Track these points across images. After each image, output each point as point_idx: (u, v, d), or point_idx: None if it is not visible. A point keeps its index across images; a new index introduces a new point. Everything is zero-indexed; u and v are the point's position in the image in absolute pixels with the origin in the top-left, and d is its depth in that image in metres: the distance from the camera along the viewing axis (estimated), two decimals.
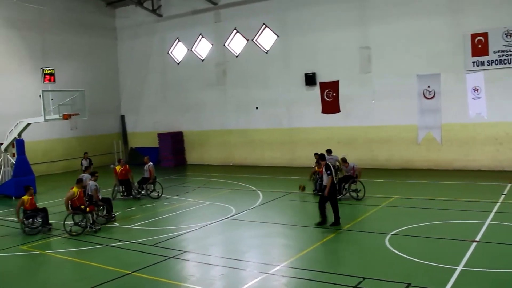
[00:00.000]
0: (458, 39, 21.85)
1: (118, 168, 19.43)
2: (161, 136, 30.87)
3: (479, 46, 21.38)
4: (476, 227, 12.61)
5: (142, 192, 19.41)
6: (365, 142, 24.55)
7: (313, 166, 18.55)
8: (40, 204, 15.69)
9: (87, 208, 14.38)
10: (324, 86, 25.49)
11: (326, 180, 13.62)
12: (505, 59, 20.90)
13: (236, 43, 28.69)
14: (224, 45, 28.97)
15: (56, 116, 20.18)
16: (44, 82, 20.82)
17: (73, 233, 14.10)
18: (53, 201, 18.56)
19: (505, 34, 20.81)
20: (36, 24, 28.77)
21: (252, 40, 27.84)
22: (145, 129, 33.12)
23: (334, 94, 25.25)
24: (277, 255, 11.69)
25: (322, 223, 13.57)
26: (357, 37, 24.40)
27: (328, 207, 13.69)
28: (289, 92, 26.66)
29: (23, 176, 21.10)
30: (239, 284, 9.76)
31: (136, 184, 19.51)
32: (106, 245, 13.01)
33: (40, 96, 20.14)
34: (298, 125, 26.65)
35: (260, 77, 27.72)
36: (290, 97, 26.71)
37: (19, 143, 21.56)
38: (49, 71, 20.94)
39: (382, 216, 14.89)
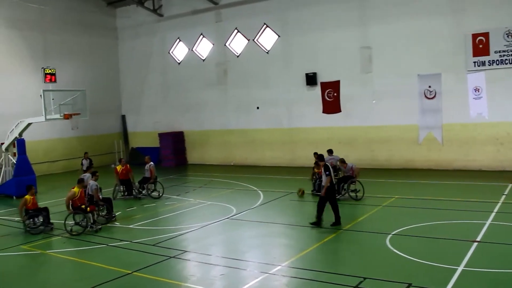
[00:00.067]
0: (459, 39, 21.84)
1: (119, 167, 19.44)
2: (162, 136, 30.88)
3: (480, 46, 21.37)
4: (477, 227, 12.60)
5: (143, 192, 19.42)
6: (366, 142, 24.54)
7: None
8: (40, 204, 15.68)
9: (88, 208, 14.39)
10: (325, 86, 25.49)
11: (325, 180, 13.62)
12: (506, 59, 20.89)
13: (237, 43, 28.69)
14: (225, 45, 28.97)
15: (57, 116, 20.17)
16: (45, 81, 20.82)
17: (73, 233, 14.11)
18: (54, 201, 18.56)
19: (506, 34, 20.79)
20: (37, 24, 28.78)
21: (253, 40, 27.84)
22: (146, 129, 33.13)
23: (335, 94, 25.25)
24: (278, 255, 11.69)
25: (316, 223, 13.48)
26: (358, 37, 24.39)
27: (327, 208, 13.65)
28: (290, 92, 26.66)
29: (24, 176, 21.12)
30: (239, 284, 9.76)
31: (137, 184, 19.53)
32: (107, 245, 13.02)
33: (41, 95, 20.13)
34: (298, 125, 26.64)
35: (261, 77, 27.73)
36: (291, 97, 26.71)
37: (20, 143, 21.58)
38: (50, 71, 20.95)
39: (383, 216, 14.88)
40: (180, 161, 30.68)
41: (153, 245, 12.72)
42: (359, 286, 9.13)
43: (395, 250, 11.13)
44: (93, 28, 32.04)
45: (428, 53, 22.60)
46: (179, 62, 31.26)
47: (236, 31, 28.51)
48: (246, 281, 9.89)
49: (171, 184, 22.39)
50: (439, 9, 22.27)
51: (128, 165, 19.84)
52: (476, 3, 21.49)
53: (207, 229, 14.28)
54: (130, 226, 15.06)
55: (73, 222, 14.31)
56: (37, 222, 14.73)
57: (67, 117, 20.14)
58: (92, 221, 14.41)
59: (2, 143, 22.37)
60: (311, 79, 25.70)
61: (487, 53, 21.22)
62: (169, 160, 30.25)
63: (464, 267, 9.78)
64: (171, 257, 11.57)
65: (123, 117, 34.41)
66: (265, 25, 27.42)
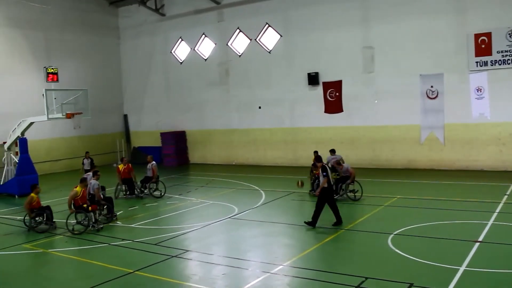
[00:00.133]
0: (461, 39, 21.81)
1: (121, 166, 19.45)
2: (164, 135, 30.90)
3: (483, 46, 21.33)
4: (479, 227, 12.59)
5: (145, 191, 19.44)
6: (368, 142, 24.53)
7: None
8: (43, 203, 15.70)
9: (90, 207, 14.42)
10: (327, 85, 25.48)
11: (322, 181, 13.61)
12: (508, 59, 20.85)
13: (239, 43, 28.69)
14: (227, 44, 28.97)
15: (59, 115, 20.21)
16: (47, 81, 20.87)
17: (75, 232, 14.14)
18: (56, 200, 18.60)
19: (509, 34, 20.75)
20: (40, 23, 28.82)
21: (255, 39, 27.84)
22: (148, 128, 33.16)
23: (337, 94, 25.24)
24: (280, 255, 11.69)
25: (311, 224, 13.43)
26: (360, 36, 24.38)
27: (328, 208, 13.61)
28: (292, 91, 26.66)
29: (26, 175, 21.17)
30: (241, 283, 9.76)
31: (138, 183, 19.54)
32: (109, 244, 13.03)
33: (43, 95, 20.16)
34: (300, 124, 26.64)
35: (263, 77, 27.73)
36: (293, 97, 26.71)
37: (22, 142, 21.61)
38: (52, 70, 21.01)
39: (385, 216, 14.86)
40: (182, 161, 30.70)
41: (155, 244, 12.72)
42: (360, 286, 9.13)
43: (397, 250, 11.12)
44: (95, 27, 32.08)
45: (430, 53, 22.56)
46: (181, 61, 31.27)
47: (238, 30, 28.51)
48: (248, 281, 9.90)
49: (173, 184, 22.40)
50: (441, 9, 22.24)
51: (130, 164, 19.85)
52: (479, 3, 21.46)
53: (209, 228, 14.28)
54: (132, 225, 15.08)
55: (75, 221, 14.34)
56: (37, 220, 14.77)
57: (69, 116, 20.17)
58: (94, 220, 14.43)
59: (5, 142, 22.43)
60: (313, 79, 25.69)
61: (490, 53, 21.19)
62: (171, 160, 30.28)
63: (466, 267, 9.77)
64: (172, 257, 11.57)
65: (125, 116, 34.44)
66: (267, 25, 27.41)
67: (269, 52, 27.50)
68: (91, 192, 15.32)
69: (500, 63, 21.05)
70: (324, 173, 13.52)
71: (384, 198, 16.95)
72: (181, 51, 31.30)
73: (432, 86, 22.66)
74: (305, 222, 13.58)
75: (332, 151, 18.76)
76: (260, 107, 28.00)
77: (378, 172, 22.65)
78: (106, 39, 33.06)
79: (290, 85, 26.72)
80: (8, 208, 19.02)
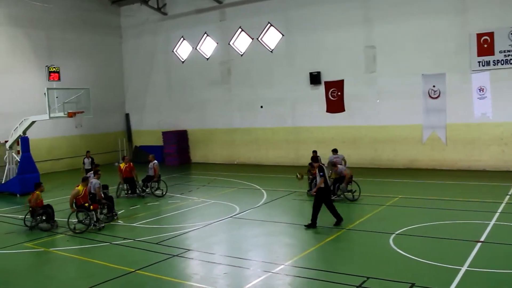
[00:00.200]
0: (463, 38, 21.77)
1: (122, 165, 19.45)
2: (166, 135, 30.91)
3: (485, 46, 21.29)
4: (481, 227, 12.57)
5: (147, 190, 19.44)
6: (370, 142, 24.51)
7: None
8: (44, 202, 15.70)
9: (91, 206, 14.42)
10: (328, 85, 25.46)
11: (318, 181, 13.58)
12: (511, 59, 20.80)
13: (241, 42, 28.68)
14: (229, 43, 28.96)
15: (61, 114, 20.23)
16: (49, 80, 20.87)
17: (77, 231, 14.15)
18: (58, 199, 18.62)
19: (511, 34, 20.70)
20: (41, 22, 28.84)
21: (257, 39, 27.83)
22: (149, 127, 33.17)
23: (339, 93, 25.21)
24: (281, 254, 11.68)
25: (311, 226, 13.37)
26: (362, 36, 24.34)
27: (325, 211, 13.58)
28: (294, 91, 26.64)
29: (28, 174, 21.18)
30: (242, 283, 9.75)
31: (140, 182, 19.55)
32: (110, 243, 13.03)
33: (45, 94, 20.16)
34: (302, 124, 26.63)
35: (265, 76, 27.72)
36: (294, 96, 26.69)
37: (23, 141, 21.62)
38: (54, 69, 21.01)
39: (386, 216, 14.84)
40: (183, 160, 30.71)
41: (156, 243, 12.72)
42: (362, 285, 9.12)
43: (398, 250, 11.11)
44: (97, 26, 32.09)
45: (432, 52, 22.53)
46: (183, 60, 31.27)
47: (240, 30, 28.50)
48: (249, 280, 9.89)
49: (174, 183, 22.41)
50: (443, 9, 22.20)
51: (131, 163, 19.84)
52: (481, 3, 21.41)
53: (210, 227, 14.28)
54: (134, 224, 15.08)
55: (76, 220, 14.35)
56: (38, 219, 14.79)
57: (71, 115, 20.20)
58: (95, 219, 14.44)
59: (6, 141, 22.45)
60: (315, 78, 25.67)
61: (492, 53, 21.15)
62: (172, 159, 30.28)
63: (467, 267, 9.75)
64: (174, 256, 11.57)
65: (127, 115, 34.46)
66: (269, 24, 27.40)
67: (271, 51, 27.48)
68: (92, 191, 15.33)
69: (502, 63, 21.00)
70: (321, 173, 13.50)
71: (386, 197, 16.93)
72: (183, 50, 31.30)
73: (434, 86, 22.62)
74: (305, 226, 13.52)
75: (334, 151, 18.72)
76: (262, 107, 27.99)
77: (379, 172, 22.63)
78: (108, 38, 33.08)
79: (292, 84, 26.70)
80: (10, 207, 19.03)
